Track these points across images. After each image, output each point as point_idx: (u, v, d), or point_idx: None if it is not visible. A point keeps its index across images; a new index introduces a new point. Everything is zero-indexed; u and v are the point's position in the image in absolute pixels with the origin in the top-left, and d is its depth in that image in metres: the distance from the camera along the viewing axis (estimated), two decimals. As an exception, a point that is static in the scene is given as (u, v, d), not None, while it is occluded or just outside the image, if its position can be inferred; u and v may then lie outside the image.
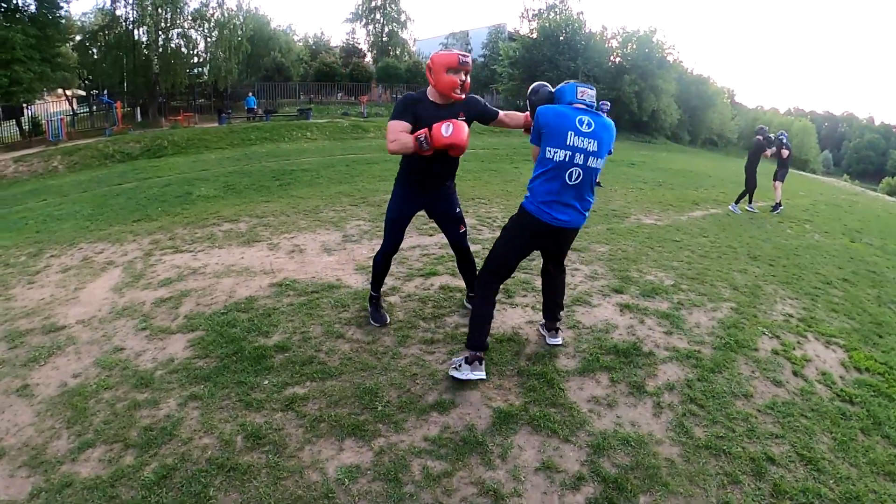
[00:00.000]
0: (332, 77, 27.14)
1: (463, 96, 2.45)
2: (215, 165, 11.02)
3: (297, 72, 27.81)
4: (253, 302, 3.16)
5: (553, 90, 2.42)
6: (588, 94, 2.27)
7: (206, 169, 10.58)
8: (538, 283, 3.54)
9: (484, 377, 2.32)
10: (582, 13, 28.75)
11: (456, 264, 2.95)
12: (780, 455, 2.04)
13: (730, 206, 7.68)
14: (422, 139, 2.26)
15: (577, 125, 2.19)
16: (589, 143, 2.20)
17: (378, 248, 2.83)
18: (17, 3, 16.77)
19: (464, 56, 2.37)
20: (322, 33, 47.73)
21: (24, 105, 17.83)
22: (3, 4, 16.38)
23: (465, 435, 2.02)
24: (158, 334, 2.82)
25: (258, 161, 11.40)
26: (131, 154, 13.83)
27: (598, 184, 2.55)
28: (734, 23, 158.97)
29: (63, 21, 18.81)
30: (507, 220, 2.53)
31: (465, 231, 2.78)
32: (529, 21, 26.83)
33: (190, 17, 21.67)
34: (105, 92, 20.54)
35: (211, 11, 21.86)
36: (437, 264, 3.87)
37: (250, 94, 21.68)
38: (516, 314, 3.09)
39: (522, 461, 1.91)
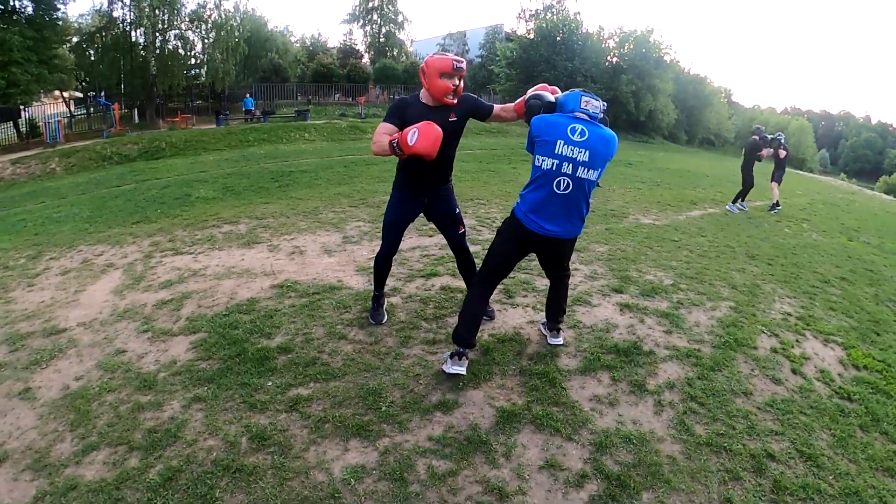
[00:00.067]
0: (330, 78, 27.16)
1: (455, 101, 2.44)
2: (213, 167, 11.01)
3: (294, 73, 27.84)
4: (254, 303, 3.17)
5: (554, 100, 2.36)
6: (592, 104, 2.21)
7: (204, 170, 10.58)
8: (538, 283, 3.57)
9: (462, 373, 2.34)
10: (579, 13, 28.83)
11: (456, 265, 2.97)
12: (780, 452, 2.07)
13: (727, 206, 7.72)
14: (395, 144, 2.24)
15: (569, 134, 2.16)
16: (579, 152, 2.14)
17: (378, 249, 2.84)
18: (13, 4, 16.73)
19: (458, 62, 2.37)
20: (319, 34, 47.70)
21: (22, 107, 17.79)
22: (-1, 6, 16.37)
23: (469, 434, 2.03)
24: (160, 336, 2.82)
25: (256, 162, 11.40)
26: (129, 156, 13.80)
27: (597, 184, 2.49)
28: (731, 22, 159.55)
29: (60, 23, 18.75)
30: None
31: (465, 232, 2.79)
32: (526, 21, 26.95)
33: (187, 19, 21.66)
34: (102, 94, 20.48)
35: (208, 13, 21.89)
36: (437, 265, 3.89)
37: (248, 95, 21.66)
38: (517, 314, 3.11)
39: (526, 460, 1.93)
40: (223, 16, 22.23)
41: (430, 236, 4.66)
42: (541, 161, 2.20)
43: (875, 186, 35.49)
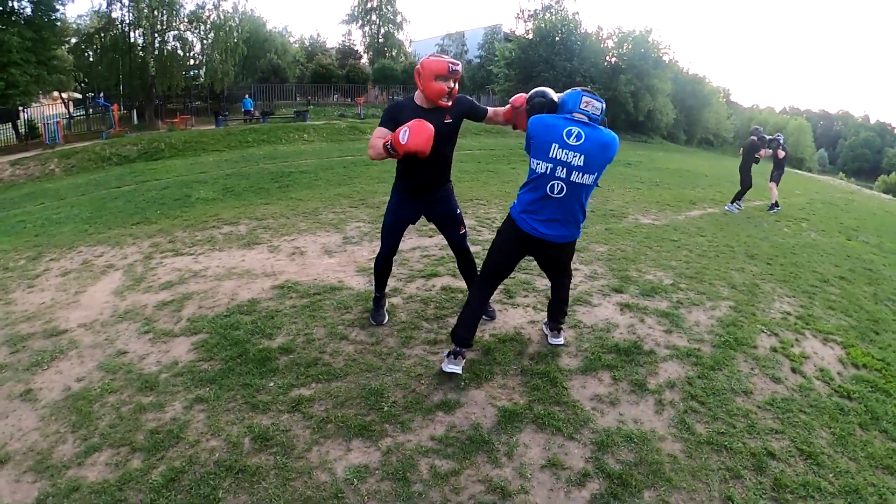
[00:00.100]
0: (329, 79, 27.19)
1: (449, 104, 2.45)
2: (213, 168, 11.01)
3: (293, 74, 27.84)
4: (255, 304, 3.18)
5: (556, 98, 2.33)
6: (593, 104, 2.16)
7: (204, 171, 10.58)
8: (538, 283, 3.57)
9: (458, 372, 2.35)
10: (577, 13, 28.90)
11: (456, 265, 2.97)
12: (781, 450, 2.08)
13: (726, 206, 7.73)
14: (388, 146, 2.24)
15: (564, 137, 2.11)
16: (574, 156, 2.10)
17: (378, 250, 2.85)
18: (12, 5, 16.71)
19: (454, 64, 2.37)
20: (318, 35, 47.82)
21: (21, 108, 17.78)
22: (-2, 7, 16.36)
23: (472, 434, 2.04)
24: (161, 337, 2.82)
25: (256, 163, 11.40)
26: (128, 157, 13.79)
27: (596, 185, 2.46)
28: (730, 22, 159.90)
29: (59, 24, 18.75)
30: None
31: (465, 232, 2.79)
32: (525, 22, 26.93)
33: (186, 20, 21.67)
34: (101, 95, 20.51)
35: (207, 14, 21.90)
36: (437, 265, 3.89)
37: (247, 96, 21.66)
38: (518, 314, 3.11)
39: (528, 459, 1.94)
40: (222, 16, 22.25)
41: (431, 237, 4.66)
42: (535, 164, 2.19)
43: (874, 186, 35.54)
